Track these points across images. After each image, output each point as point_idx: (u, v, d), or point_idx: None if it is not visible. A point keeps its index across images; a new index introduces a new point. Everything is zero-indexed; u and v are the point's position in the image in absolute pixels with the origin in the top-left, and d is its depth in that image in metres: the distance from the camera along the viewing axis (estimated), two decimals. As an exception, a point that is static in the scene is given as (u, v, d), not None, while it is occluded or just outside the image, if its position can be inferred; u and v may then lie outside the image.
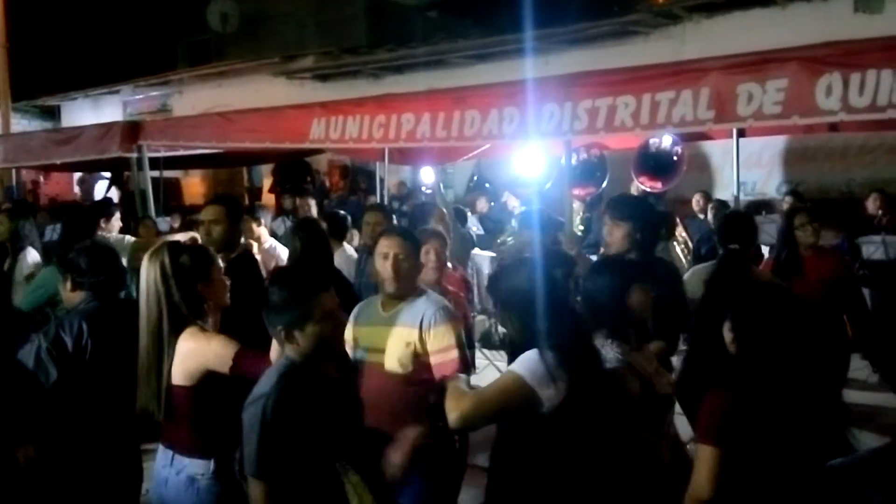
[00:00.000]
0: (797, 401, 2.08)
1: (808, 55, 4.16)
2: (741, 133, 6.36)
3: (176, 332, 2.48)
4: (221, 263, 2.91)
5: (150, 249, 2.64)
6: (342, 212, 5.75)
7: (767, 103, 4.18)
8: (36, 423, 2.63)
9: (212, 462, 2.48)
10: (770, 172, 8.40)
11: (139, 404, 2.56)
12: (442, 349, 2.75)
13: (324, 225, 4.62)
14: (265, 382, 2.17)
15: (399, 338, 2.80)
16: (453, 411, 2.21)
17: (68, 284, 3.01)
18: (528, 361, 2.20)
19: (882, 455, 0.98)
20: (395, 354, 2.79)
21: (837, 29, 6.08)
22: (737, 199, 5.53)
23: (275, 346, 2.35)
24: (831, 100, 3.98)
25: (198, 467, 2.49)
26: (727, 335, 2.27)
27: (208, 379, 2.46)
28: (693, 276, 3.94)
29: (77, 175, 14.16)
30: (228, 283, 2.79)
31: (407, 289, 2.86)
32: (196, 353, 2.46)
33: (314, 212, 7.82)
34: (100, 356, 2.86)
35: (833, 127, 7.31)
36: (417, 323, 2.78)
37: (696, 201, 7.71)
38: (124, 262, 3.62)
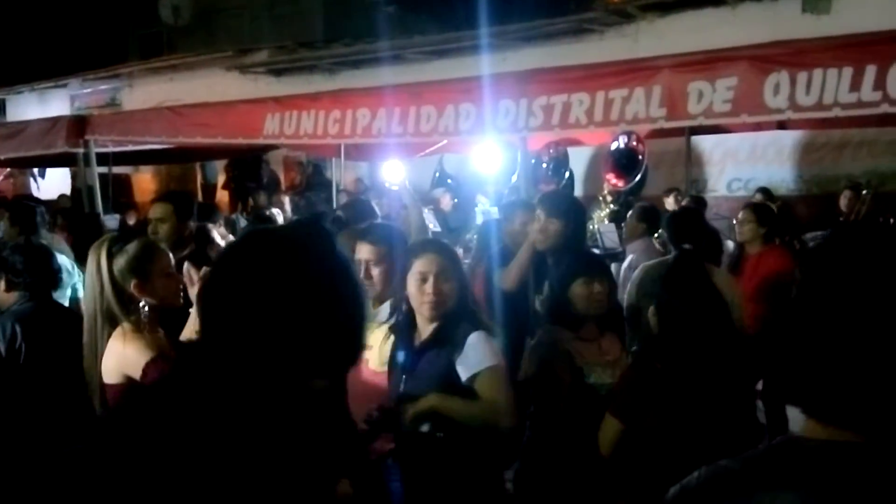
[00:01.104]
0: (709, 381, 2.20)
1: (756, 54, 4.23)
2: (693, 131, 6.48)
3: (110, 329, 2.41)
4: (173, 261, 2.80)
5: (95, 244, 2.56)
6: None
7: (717, 101, 4.24)
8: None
9: None
10: (722, 170, 8.56)
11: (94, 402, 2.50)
12: None
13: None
14: None
15: (384, 335, 2.78)
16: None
17: (2, 284, 2.90)
18: (491, 347, 2.30)
19: (771, 455, 0.98)
20: (378, 352, 2.79)
21: (786, 29, 6.20)
22: (689, 195, 5.62)
23: None
24: (779, 98, 4.05)
25: None
26: (652, 319, 2.35)
27: (131, 381, 2.36)
28: (643, 275, 3.93)
29: (5, 170, 13.64)
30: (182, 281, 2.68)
31: (385, 291, 2.85)
32: (115, 354, 2.38)
33: (287, 208, 7.75)
34: (36, 359, 2.76)
35: (782, 125, 7.46)
36: None
37: (675, 199, 7.37)
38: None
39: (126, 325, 2.40)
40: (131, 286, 2.42)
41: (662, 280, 2.45)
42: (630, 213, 5.37)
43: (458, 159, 9.51)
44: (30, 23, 16.46)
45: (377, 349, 2.81)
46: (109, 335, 2.40)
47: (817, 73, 3.92)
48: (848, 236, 1.08)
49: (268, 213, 6.52)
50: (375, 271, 2.80)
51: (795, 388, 1.00)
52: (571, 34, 9.43)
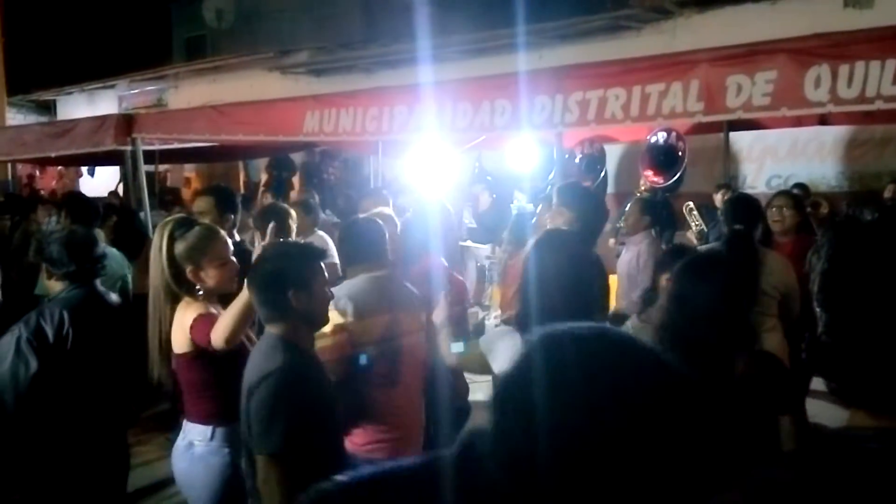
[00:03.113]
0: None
1: (796, 47, 4.17)
2: (732, 126, 6.41)
3: (172, 304, 2.56)
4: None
5: (160, 224, 2.71)
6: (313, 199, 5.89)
7: (756, 95, 4.19)
8: None
9: (209, 429, 2.53)
10: (761, 166, 8.43)
11: (154, 372, 2.66)
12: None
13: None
14: (269, 361, 2.12)
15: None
16: None
17: (44, 273, 3.03)
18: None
19: (826, 459, 0.91)
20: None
21: (827, 24, 6.05)
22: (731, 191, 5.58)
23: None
24: (820, 91, 3.99)
25: (197, 434, 2.55)
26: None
27: (198, 347, 2.52)
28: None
29: (57, 168, 14.11)
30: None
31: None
32: (180, 324, 2.55)
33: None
34: (82, 345, 2.85)
35: (823, 120, 7.33)
36: None
37: (722, 196, 7.30)
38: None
39: (187, 299, 2.57)
40: (187, 271, 2.56)
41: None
42: (629, 207, 5.34)
43: (496, 156, 9.53)
44: (79, 26, 16.96)
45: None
46: (172, 309, 2.57)
47: (859, 66, 3.85)
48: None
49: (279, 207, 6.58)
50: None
51: (842, 381, 0.93)
52: (608, 31, 9.40)
